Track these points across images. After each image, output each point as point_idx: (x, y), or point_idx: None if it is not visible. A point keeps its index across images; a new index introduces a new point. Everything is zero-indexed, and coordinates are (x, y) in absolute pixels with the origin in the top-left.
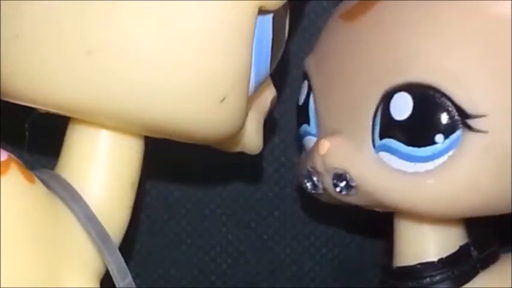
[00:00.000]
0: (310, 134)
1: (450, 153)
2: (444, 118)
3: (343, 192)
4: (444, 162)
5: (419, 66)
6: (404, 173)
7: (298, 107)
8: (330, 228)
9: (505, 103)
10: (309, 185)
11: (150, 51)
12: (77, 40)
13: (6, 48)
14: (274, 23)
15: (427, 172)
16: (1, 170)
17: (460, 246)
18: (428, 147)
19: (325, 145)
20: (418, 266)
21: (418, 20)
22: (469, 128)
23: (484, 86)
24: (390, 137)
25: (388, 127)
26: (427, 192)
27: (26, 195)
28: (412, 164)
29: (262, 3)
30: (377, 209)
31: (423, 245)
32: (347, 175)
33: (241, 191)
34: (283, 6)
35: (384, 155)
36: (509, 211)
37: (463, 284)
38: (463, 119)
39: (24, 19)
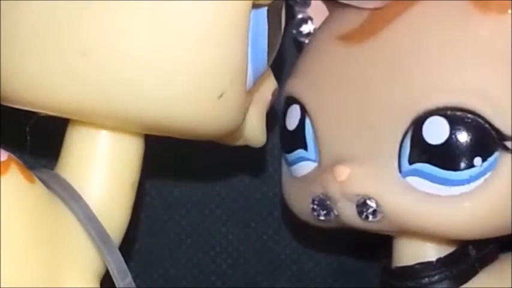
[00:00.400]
0: (306, 159)
1: (487, 175)
2: (481, 141)
3: (370, 219)
4: (481, 185)
5: (452, 90)
6: (437, 196)
7: (289, 132)
8: (330, 228)
9: None
10: (321, 212)
11: (146, 50)
12: (73, 41)
13: (3, 51)
14: (269, 16)
15: (463, 195)
16: (1, 170)
17: (458, 246)
18: (465, 171)
19: (345, 171)
20: (416, 266)
21: (444, 41)
22: (506, 149)
23: None
24: (423, 161)
25: (421, 152)
26: (463, 215)
27: (26, 195)
28: (447, 187)
29: None
30: (393, 234)
31: (422, 245)
32: (373, 201)
33: (241, 191)
34: None
35: (413, 180)
36: None
37: (462, 284)
38: (500, 140)
39: (20, 21)
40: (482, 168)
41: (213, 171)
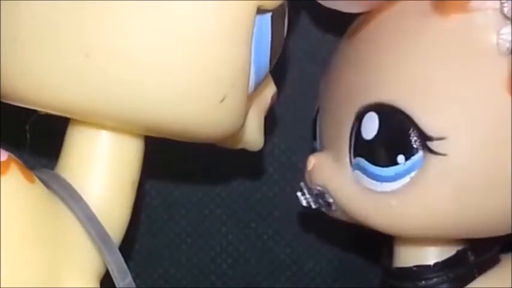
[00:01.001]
0: (317, 149)
1: (412, 174)
2: (405, 139)
3: (323, 209)
4: (407, 183)
5: (386, 87)
6: (373, 191)
7: (313, 122)
8: (330, 228)
9: (465, 126)
10: (303, 199)
11: (148, 51)
12: (75, 42)
13: (4, 51)
14: (273, 21)
15: (393, 192)
16: (1, 170)
17: (457, 251)
18: (391, 168)
19: (311, 162)
20: (414, 268)
21: (387, 42)
22: (430, 150)
23: (445, 109)
24: (361, 156)
25: (359, 146)
26: (392, 211)
27: (26, 195)
28: (379, 183)
29: (261, 2)
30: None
31: (421, 248)
32: (325, 192)
33: (241, 191)
34: (282, 4)
35: (358, 174)
36: (482, 236)
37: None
38: (423, 141)
39: (21, 22)
40: (405, 167)
41: (213, 172)
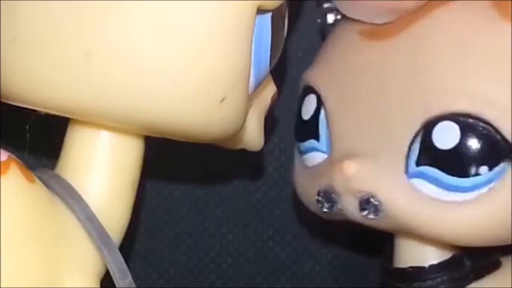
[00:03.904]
0: (317, 150)
1: (491, 184)
2: (490, 150)
3: (370, 216)
4: (485, 193)
5: (467, 97)
6: (440, 201)
7: (303, 121)
8: (330, 228)
9: None
10: (325, 204)
11: (150, 52)
12: (76, 42)
13: (4, 52)
14: (273, 22)
15: (466, 202)
16: (1, 170)
17: (454, 254)
18: (471, 178)
19: (352, 166)
20: (409, 270)
21: (465, 47)
22: None
23: None
24: (430, 165)
25: (429, 155)
26: (463, 222)
27: (26, 195)
28: (451, 193)
29: (261, 2)
30: (393, 232)
31: (417, 249)
32: (375, 199)
33: (241, 191)
34: (282, 5)
35: (418, 182)
36: None
37: None
38: (509, 152)
39: (22, 22)
40: (487, 177)
41: (213, 172)
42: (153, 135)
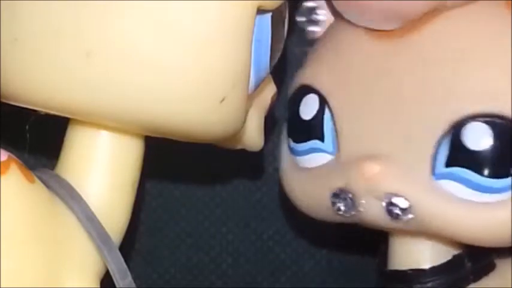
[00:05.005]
0: (322, 151)
1: None
2: None
3: (400, 218)
4: None
5: (496, 97)
6: (470, 202)
7: (303, 121)
8: (330, 228)
9: None
10: (341, 205)
11: (150, 52)
12: (75, 42)
13: (4, 52)
14: (273, 22)
15: (499, 203)
16: (1, 170)
17: (454, 256)
18: (505, 179)
19: (374, 168)
20: (409, 272)
21: (481, 47)
22: None
23: None
24: (461, 166)
25: (460, 156)
26: (497, 223)
27: (26, 195)
28: (485, 194)
29: (261, 2)
30: (415, 235)
31: (417, 251)
32: (404, 200)
33: (241, 191)
34: (282, 5)
35: (447, 183)
36: None
37: None
38: None
39: (22, 22)
40: None
41: (213, 171)
42: (153, 135)
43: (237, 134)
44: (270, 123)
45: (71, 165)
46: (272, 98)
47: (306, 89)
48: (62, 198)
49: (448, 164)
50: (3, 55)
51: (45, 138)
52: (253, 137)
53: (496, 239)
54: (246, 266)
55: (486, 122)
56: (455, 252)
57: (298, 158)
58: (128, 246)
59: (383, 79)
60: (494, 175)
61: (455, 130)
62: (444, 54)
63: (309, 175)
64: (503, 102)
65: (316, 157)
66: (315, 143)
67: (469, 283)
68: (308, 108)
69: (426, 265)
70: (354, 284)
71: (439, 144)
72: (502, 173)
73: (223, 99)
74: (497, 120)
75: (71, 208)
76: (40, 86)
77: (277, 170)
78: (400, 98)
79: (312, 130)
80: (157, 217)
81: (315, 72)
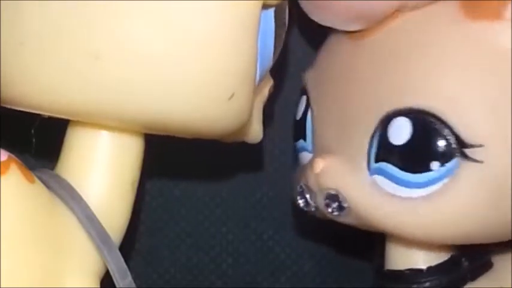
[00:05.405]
0: (305, 149)
1: (445, 180)
2: (441, 146)
3: (335, 213)
4: (438, 190)
5: (420, 92)
6: (398, 197)
7: (296, 121)
8: (330, 228)
9: (503, 134)
10: (301, 202)
11: (159, 51)
12: (84, 45)
13: (10, 56)
14: (276, 16)
15: (421, 198)
16: (1, 170)
17: (451, 256)
18: (423, 174)
19: (320, 164)
20: (407, 272)
21: (421, 46)
22: (466, 157)
23: (483, 116)
24: (386, 161)
25: (385, 151)
26: (419, 218)
27: (26, 195)
28: (407, 189)
29: None
30: (367, 229)
31: (414, 252)
32: (339, 196)
33: (241, 191)
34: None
35: (378, 179)
36: (507, 239)
37: None
38: (460, 147)
39: (29, 25)
40: (439, 173)
41: (213, 171)
42: (160, 133)
43: (242, 127)
44: (270, 123)
45: (71, 165)
46: (270, 89)
47: (302, 91)
48: (62, 199)
49: (377, 159)
50: (8, 59)
51: (45, 138)
52: (253, 128)
53: (420, 235)
54: (246, 266)
55: (407, 117)
56: (452, 251)
57: (298, 156)
58: (127, 246)
59: (347, 80)
60: (411, 170)
61: (383, 125)
62: (389, 54)
63: (298, 174)
64: (427, 98)
65: (303, 156)
66: (301, 142)
67: (466, 282)
68: (299, 108)
69: (423, 265)
70: (354, 284)
71: (372, 140)
72: (421, 168)
73: (232, 96)
74: (417, 115)
75: (71, 208)
76: (48, 91)
77: (277, 170)
78: (349, 98)
79: (299, 130)
80: (157, 217)
81: (308, 74)
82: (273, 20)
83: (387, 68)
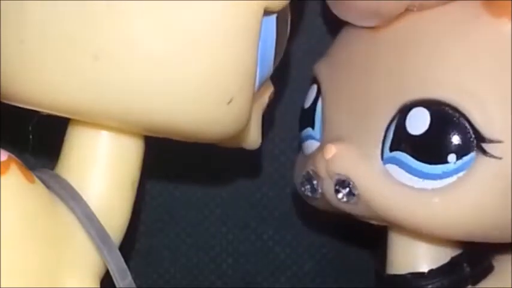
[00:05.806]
0: (313, 138)
1: (460, 174)
2: (459, 138)
3: (344, 199)
4: (453, 183)
5: (441, 84)
6: (411, 188)
7: (304, 110)
8: (329, 228)
9: None
10: (307, 187)
11: (158, 54)
12: (84, 45)
13: (11, 54)
14: (278, 23)
15: (434, 190)
16: (1, 170)
17: (452, 258)
18: (439, 166)
19: (332, 150)
20: (408, 276)
21: (443, 38)
22: (483, 151)
23: (503, 113)
24: (401, 150)
25: (401, 140)
26: (431, 210)
27: (26, 195)
28: (421, 180)
29: (268, 3)
30: (371, 222)
31: (414, 255)
32: (350, 182)
33: (241, 191)
34: (286, 5)
35: (392, 168)
36: (509, 241)
37: None
38: (478, 142)
39: (29, 23)
40: (455, 166)
41: (213, 172)
42: (158, 136)
43: (240, 133)
44: (270, 124)
45: (71, 165)
46: (270, 96)
47: (312, 80)
48: (62, 198)
49: (392, 148)
50: (8, 56)
51: (45, 138)
52: (252, 134)
53: (432, 228)
54: (246, 266)
55: (427, 108)
56: (453, 254)
57: (302, 146)
58: (127, 246)
59: (362, 69)
60: (428, 161)
61: (401, 115)
62: (410, 45)
63: (302, 161)
64: (449, 91)
65: (309, 144)
66: (308, 130)
67: (467, 285)
68: (309, 97)
69: (425, 268)
70: (354, 284)
71: (387, 129)
72: (438, 160)
73: (230, 101)
74: (437, 107)
75: (70, 208)
76: (47, 88)
77: (277, 170)
78: (368, 87)
79: (307, 118)
80: (157, 217)
81: (320, 64)
82: (274, 27)
83: (408, 58)
